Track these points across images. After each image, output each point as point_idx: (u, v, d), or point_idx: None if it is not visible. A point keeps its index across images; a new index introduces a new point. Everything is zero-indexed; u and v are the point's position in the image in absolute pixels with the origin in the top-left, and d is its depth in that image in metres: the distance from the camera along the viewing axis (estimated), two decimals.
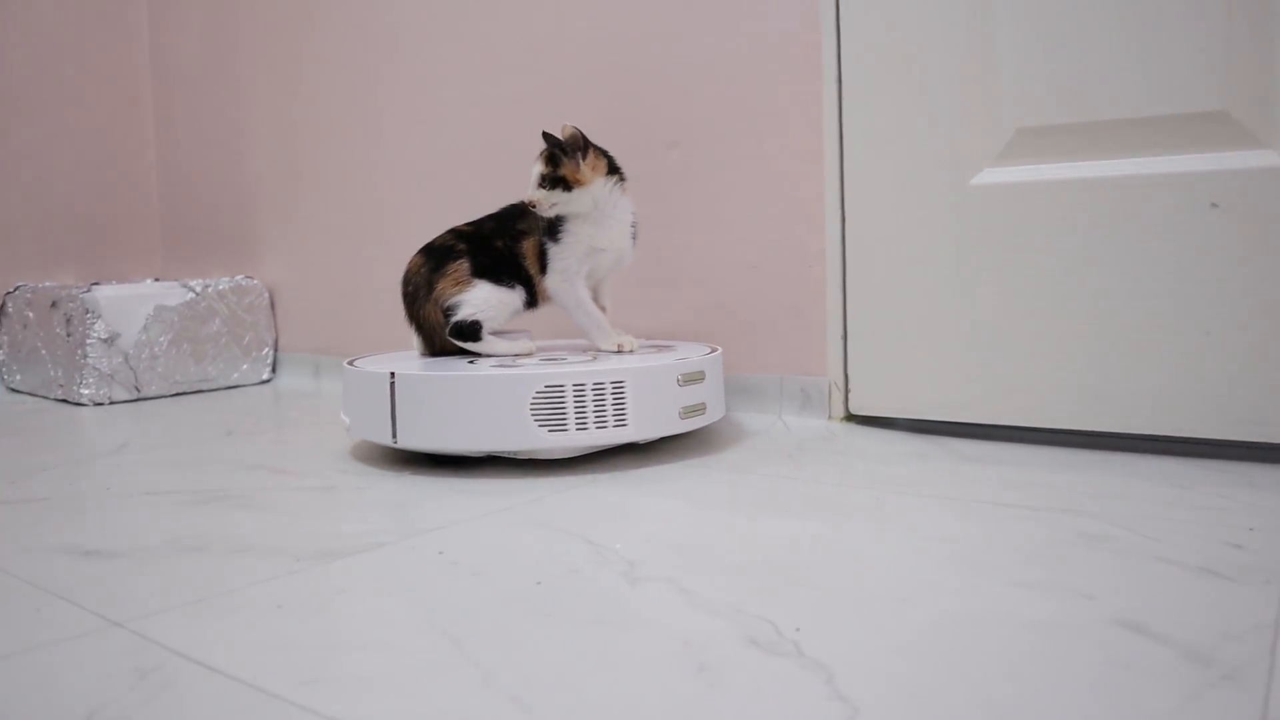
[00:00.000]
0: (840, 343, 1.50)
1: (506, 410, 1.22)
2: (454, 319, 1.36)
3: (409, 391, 1.25)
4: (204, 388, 2.14)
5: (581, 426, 1.23)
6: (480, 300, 1.36)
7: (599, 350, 1.40)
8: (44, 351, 2.08)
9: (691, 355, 1.35)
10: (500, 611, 0.78)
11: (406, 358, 1.43)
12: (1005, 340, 1.35)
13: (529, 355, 1.38)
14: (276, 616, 0.78)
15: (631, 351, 1.38)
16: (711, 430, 1.48)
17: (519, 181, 1.38)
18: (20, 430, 1.71)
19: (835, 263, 1.49)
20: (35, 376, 2.12)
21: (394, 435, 1.27)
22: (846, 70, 1.45)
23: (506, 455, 1.28)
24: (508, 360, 1.34)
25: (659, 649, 0.70)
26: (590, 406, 1.23)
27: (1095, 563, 0.85)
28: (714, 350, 1.41)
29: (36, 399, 2.08)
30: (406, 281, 1.42)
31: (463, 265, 1.37)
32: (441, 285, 1.37)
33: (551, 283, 1.38)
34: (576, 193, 1.34)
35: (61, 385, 2.03)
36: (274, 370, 2.27)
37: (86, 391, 1.98)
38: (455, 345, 1.37)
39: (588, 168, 1.35)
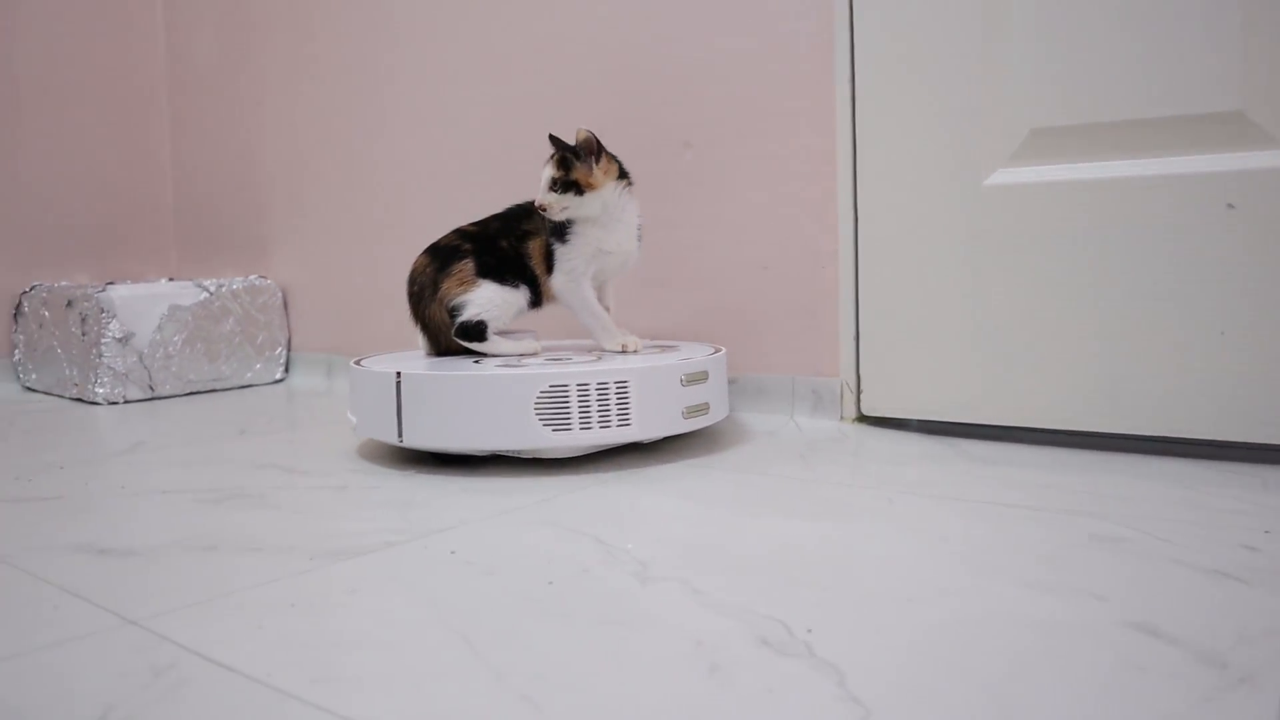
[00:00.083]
0: (852, 343, 1.49)
1: (511, 410, 1.22)
2: (459, 319, 1.36)
3: (414, 391, 1.26)
4: (217, 387, 2.15)
5: (585, 426, 1.23)
6: (485, 300, 1.36)
7: (604, 350, 1.40)
8: (59, 351, 2.10)
9: (695, 355, 1.35)
10: (512, 611, 0.78)
11: (413, 357, 1.44)
12: (1018, 341, 1.34)
13: (534, 355, 1.39)
14: (289, 615, 0.78)
15: (636, 351, 1.38)
16: (718, 431, 1.48)
17: (530, 182, 1.38)
18: (35, 429, 1.73)
19: (848, 263, 1.49)
20: (50, 375, 2.13)
21: (399, 434, 1.27)
22: (859, 71, 1.45)
23: (511, 454, 1.28)
24: (512, 360, 1.34)
25: (671, 649, 0.70)
26: (594, 406, 1.23)
27: (1107, 564, 0.85)
28: (717, 350, 1.41)
29: (52, 398, 2.10)
30: (412, 281, 1.42)
31: (468, 265, 1.38)
32: (447, 285, 1.38)
33: (558, 283, 1.38)
34: (588, 197, 1.34)
35: (76, 384, 2.05)
36: (287, 370, 2.28)
37: (101, 390, 1.99)
38: (460, 345, 1.38)
39: (600, 172, 1.35)
